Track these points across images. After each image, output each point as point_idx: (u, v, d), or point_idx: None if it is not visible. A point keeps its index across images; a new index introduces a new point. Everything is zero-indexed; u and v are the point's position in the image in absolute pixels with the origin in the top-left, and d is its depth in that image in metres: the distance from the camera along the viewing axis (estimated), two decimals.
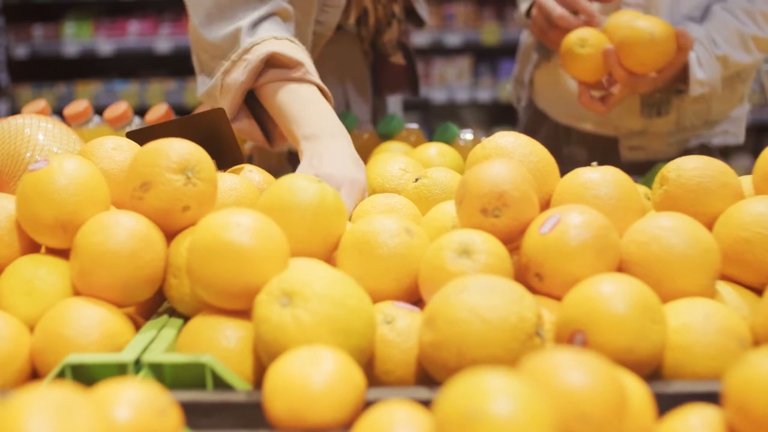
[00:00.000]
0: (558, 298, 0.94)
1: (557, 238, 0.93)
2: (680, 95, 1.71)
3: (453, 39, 4.63)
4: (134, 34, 4.74)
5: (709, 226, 1.04)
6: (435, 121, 4.97)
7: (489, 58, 4.77)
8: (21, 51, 4.72)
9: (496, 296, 0.83)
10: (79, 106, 1.85)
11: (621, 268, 0.96)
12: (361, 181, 1.25)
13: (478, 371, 0.65)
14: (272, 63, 1.35)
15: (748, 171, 1.17)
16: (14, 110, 4.46)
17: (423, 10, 1.94)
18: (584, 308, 0.85)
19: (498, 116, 4.83)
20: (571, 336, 0.85)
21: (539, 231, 0.95)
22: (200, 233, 0.90)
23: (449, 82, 4.77)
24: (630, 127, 1.83)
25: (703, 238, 0.95)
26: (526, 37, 1.98)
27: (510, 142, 1.08)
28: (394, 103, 2.13)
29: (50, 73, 4.86)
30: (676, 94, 1.72)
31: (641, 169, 1.75)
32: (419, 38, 4.56)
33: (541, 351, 0.76)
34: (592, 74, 1.59)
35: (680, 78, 1.64)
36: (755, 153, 1.43)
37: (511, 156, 1.06)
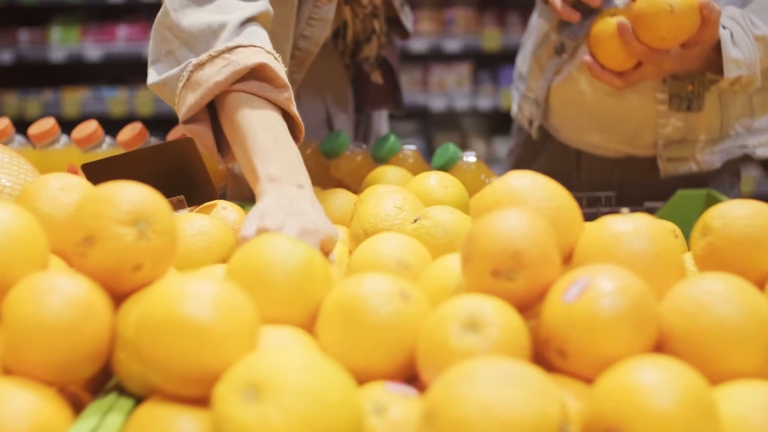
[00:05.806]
0: (585, 379, 0.78)
1: (585, 308, 0.77)
2: (714, 86, 1.55)
3: (452, 45, 4.46)
4: (123, 39, 4.58)
5: (761, 286, 0.88)
6: (433, 129, 4.81)
7: (490, 64, 4.60)
8: (6, 56, 4.55)
9: (513, 388, 0.68)
10: (45, 125, 1.70)
11: (661, 343, 0.80)
12: (338, 236, 1.10)
13: None
14: (256, 74, 1.19)
15: None
16: None
17: (407, 20, 1.79)
18: (621, 402, 0.69)
19: (499, 125, 4.66)
20: None
21: (563, 298, 0.79)
22: (150, 306, 0.74)
23: (448, 89, 4.60)
24: (668, 135, 1.65)
25: (759, 307, 0.79)
26: (535, 41, 1.75)
27: (525, 184, 0.91)
28: (379, 114, 1.98)
29: (36, 79, 4.70)
30: (709, 85, 1.56)
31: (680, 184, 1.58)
32: (417, 44, 4.40)
33: None
34: (621, 59, 1.46)
35: (714, 64, 1.50)
36: None
37: (526, 202, 0.90)
